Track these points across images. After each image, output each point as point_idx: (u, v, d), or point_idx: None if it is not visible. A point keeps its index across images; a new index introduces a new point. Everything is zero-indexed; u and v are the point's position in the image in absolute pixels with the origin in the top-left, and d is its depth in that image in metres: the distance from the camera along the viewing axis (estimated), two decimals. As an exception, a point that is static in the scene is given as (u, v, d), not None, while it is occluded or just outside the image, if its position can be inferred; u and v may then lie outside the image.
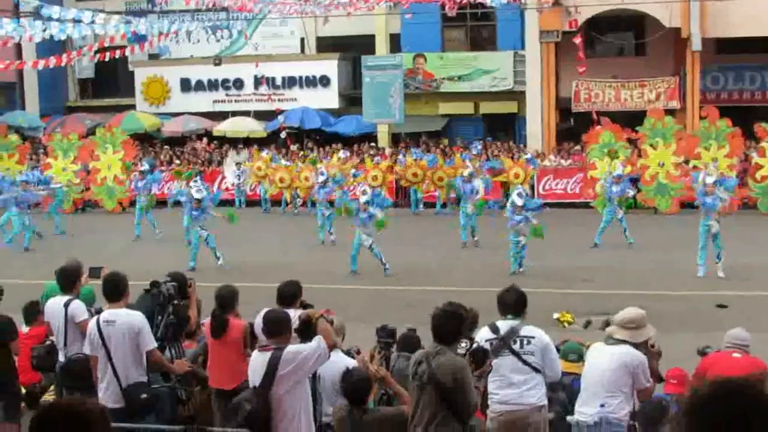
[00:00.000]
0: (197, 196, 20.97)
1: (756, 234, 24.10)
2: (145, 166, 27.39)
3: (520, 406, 7.92)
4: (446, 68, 36.85)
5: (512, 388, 7.93)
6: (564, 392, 8.82)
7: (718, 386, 2.98)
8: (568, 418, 8.20)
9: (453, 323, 7.13)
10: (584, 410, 7.98)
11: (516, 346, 7.93)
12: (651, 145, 28.48)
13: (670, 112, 31.08)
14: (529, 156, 30.65)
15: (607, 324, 15.05)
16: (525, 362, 7.92)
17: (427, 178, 30.08)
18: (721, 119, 28.31)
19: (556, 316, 15.29)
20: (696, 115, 31.49)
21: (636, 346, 7.90)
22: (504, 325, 8.03)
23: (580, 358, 9.17)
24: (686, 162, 28.51)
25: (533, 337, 7.99)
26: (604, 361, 7.91)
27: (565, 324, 15.02)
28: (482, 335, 8.01)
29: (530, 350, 7.94)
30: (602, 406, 7.78)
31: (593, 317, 15.58)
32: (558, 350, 9.17)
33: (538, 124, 34.47)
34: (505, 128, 37.34)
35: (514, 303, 8.17)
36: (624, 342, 7.89)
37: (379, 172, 29.85)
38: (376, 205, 20.26)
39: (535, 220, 19.82)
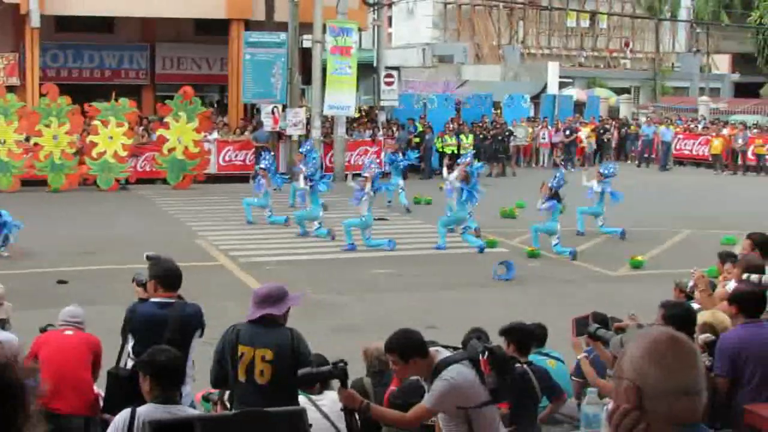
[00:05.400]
0: None
1: (97, 209, 25.27)
2: None
3: None
4: None
5: None
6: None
7: None
8: None
9: None
10: None
11: None
12: (-7, 123, 28.31)
13: (11, 88, 31.04)
14: None
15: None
16: None
17: None
18: (61, 96, 28.90)
19: None
20: (36, 92, 31.64)
21: None
22: None
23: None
24: (27, 139, 28.83)
25: None
26: None
27: None
28: None
29: None
30: None
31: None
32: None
33: None
34: None
35: None
36: None
37: None
38: None
39: None
